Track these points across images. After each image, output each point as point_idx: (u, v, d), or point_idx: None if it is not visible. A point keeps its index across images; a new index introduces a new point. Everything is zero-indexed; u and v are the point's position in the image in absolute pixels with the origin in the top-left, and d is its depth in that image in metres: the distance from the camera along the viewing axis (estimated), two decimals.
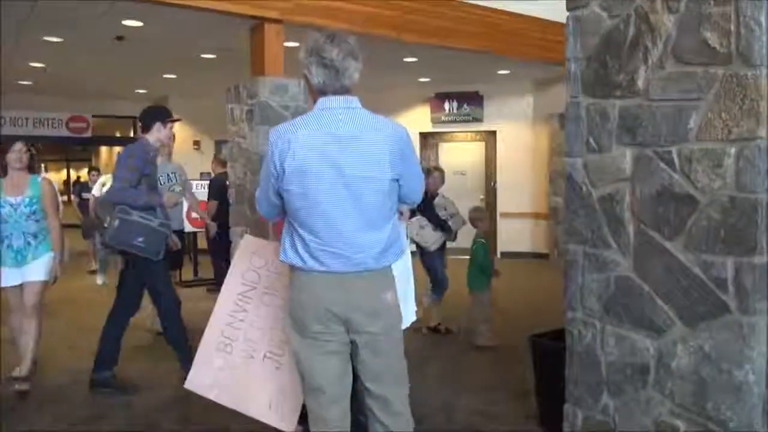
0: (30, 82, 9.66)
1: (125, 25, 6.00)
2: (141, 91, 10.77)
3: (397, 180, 2.03)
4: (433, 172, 5.38)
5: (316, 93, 2.04)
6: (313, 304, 1.98)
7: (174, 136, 4.82)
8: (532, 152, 9.55)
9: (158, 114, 4.08)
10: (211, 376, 2.64)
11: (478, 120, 9.98)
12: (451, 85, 9.77)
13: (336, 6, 5.83)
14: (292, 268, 2.07)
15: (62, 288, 5.64)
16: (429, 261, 5.30)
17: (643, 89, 2.28)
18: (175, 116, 4.21)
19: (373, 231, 1.99)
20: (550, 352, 3.01)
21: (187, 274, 7.68)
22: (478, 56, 7.29)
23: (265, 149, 2.10)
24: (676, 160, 2.18)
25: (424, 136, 10.34)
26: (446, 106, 10.04)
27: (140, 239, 3.73)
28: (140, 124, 4.13)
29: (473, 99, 9.92)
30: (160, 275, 3.95)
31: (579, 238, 2.57)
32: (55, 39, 6.63)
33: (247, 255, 2.65)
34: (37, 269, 3.98)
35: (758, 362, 2.00)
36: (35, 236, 3.98)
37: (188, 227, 7.31)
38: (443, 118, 10.09)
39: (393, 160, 1.98)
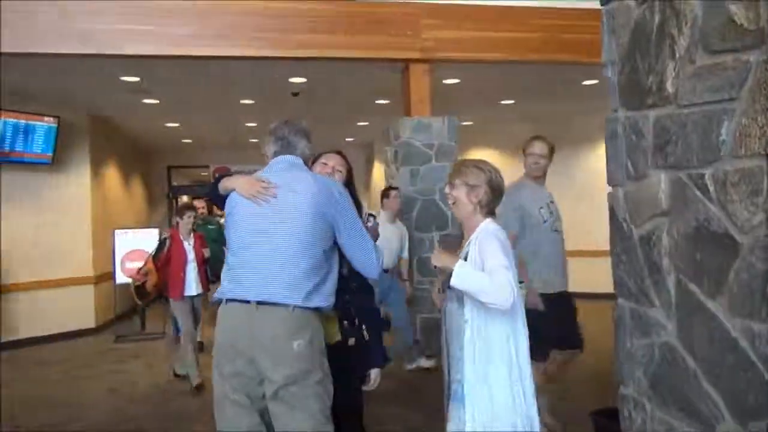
0: (256, 140, 11.12)
1: (293, 82, 6.56)
2: (350, 139, 11.61)
3: (328, 224, 2.17)
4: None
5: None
6: (223, 338, 2.00)
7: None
8: None
9: None
10: None
11: None
12: None
13: (480, 36, 5.61)
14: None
15: None
16: None
17: (673, 93, 1.70)
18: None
19: (290, 265, 2.06)
20: None
21: None
22: None
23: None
24: (710, 186, 1.57)
25: None
26: None
27: None
28: None
29: None
30: None
31: (625, 291, 1.99)
32: (248, 101, 7.54)
33: None
34: None
35: None
36: None
37: None
38: None
39: (318, 207, 2.13)
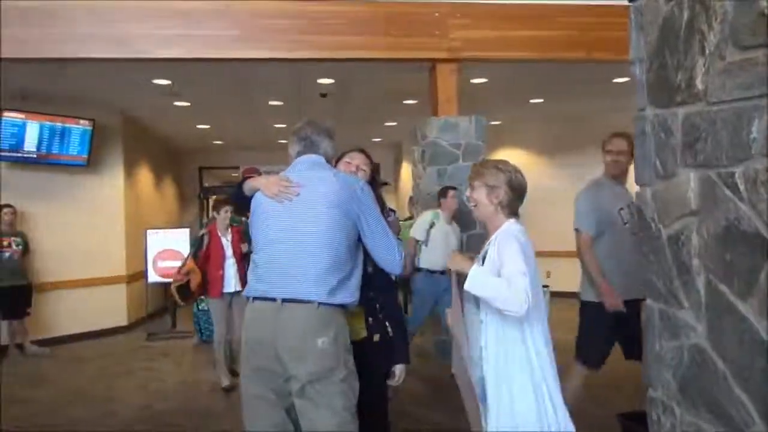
0: (285, 141, 11.21)
1: (321, 84, 6.59)
2: (377, 139, 11.63)
3: (351, 221, 2.20)
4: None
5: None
6: (249, 335, 2.07)
7: None
8: None
9: None
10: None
11: None
12: None
13: (507, 35, 5.56)
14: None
15: None
16: None
17: (703, 90, 1.67)
18: None
19: (314, 261, 2.10)
20: None
21: None
22: None
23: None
24: (740, 185, 1.53)
25: None
26: None
27: None
28: None
29: None
30: None
31: (654, 292, 1.96)
32: (277, 103, 7.61)
33: None
34: None
35: None
36: None
37: None
38: None
39: (340, 204, 2.17)
